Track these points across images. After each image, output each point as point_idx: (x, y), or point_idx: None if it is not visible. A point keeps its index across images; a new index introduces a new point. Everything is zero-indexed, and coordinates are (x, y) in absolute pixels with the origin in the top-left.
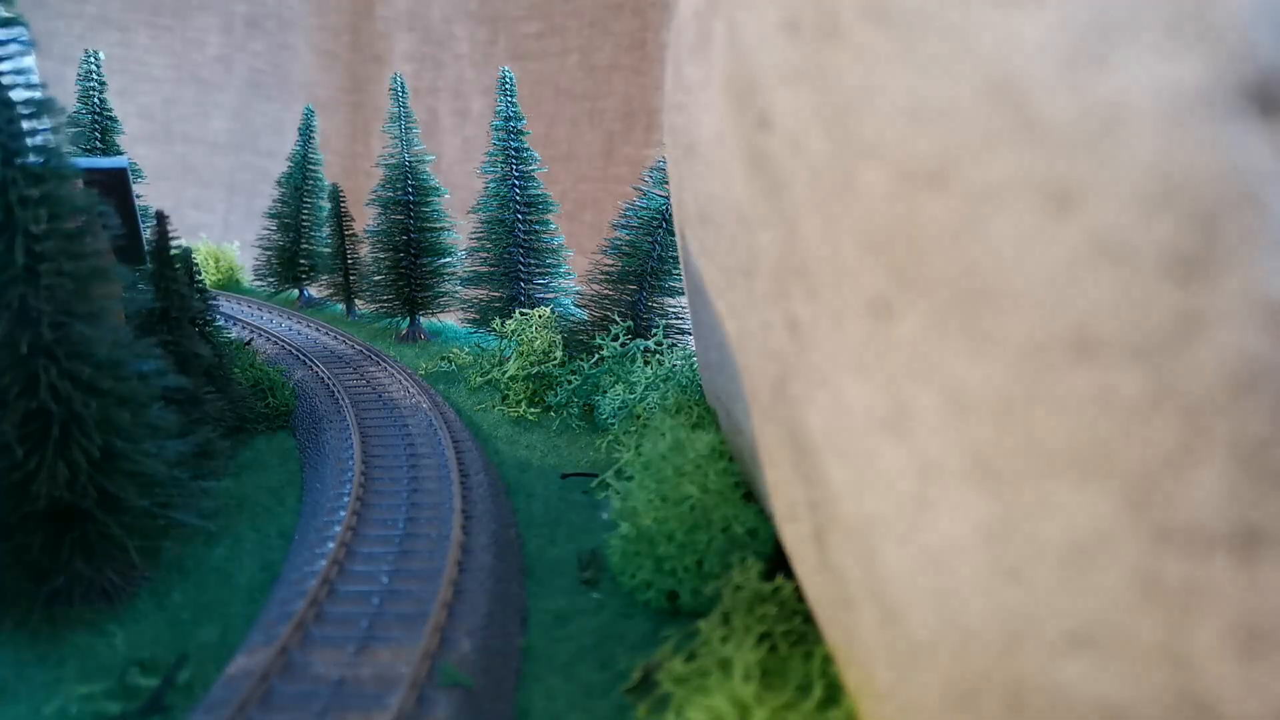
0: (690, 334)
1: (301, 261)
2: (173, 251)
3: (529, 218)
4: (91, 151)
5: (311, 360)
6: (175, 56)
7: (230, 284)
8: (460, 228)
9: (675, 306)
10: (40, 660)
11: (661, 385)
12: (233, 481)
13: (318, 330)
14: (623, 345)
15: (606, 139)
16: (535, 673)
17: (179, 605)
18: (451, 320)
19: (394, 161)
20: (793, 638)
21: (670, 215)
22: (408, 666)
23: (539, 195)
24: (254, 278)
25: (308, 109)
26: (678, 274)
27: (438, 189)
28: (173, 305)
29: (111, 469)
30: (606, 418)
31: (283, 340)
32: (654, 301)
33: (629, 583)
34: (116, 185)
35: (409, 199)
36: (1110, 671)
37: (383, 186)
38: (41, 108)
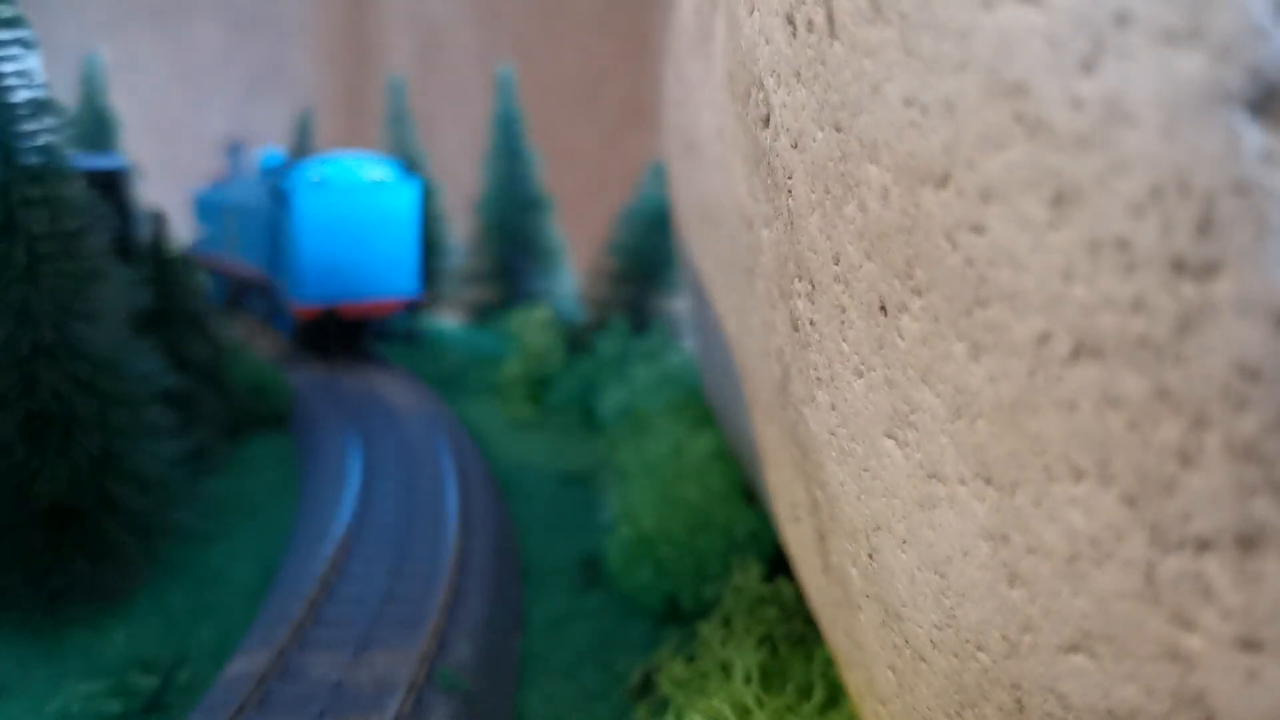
0: (690, 334)
1: None
2: (171, 252)
3: (528, 217)
4: (92, 152)
5: (309, 361)
6: (175, 56)
7: None
8: (459, 227)
9: (675, 306)
10: (42, 658)
11: (661, 385)
12: (231, 482)
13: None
14: (622, 345)
15: (606, 138)
16: (534, 676)
17: (178, 606)
18: (450, 320)
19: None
20: (793, 639)
21: (670, 214)
22: (405, 670)
23: (538, 194)
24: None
25: (306, 109)
26: (677, 273)
27: (437, 188)
28: (171, 305)
29: (111, 469)
30: (606, 418)
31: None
32: (654, 301)
33: (628, 585)
34: (116, 185)
35: None
36: (1110, 672)
37: None
38: (43, 108)
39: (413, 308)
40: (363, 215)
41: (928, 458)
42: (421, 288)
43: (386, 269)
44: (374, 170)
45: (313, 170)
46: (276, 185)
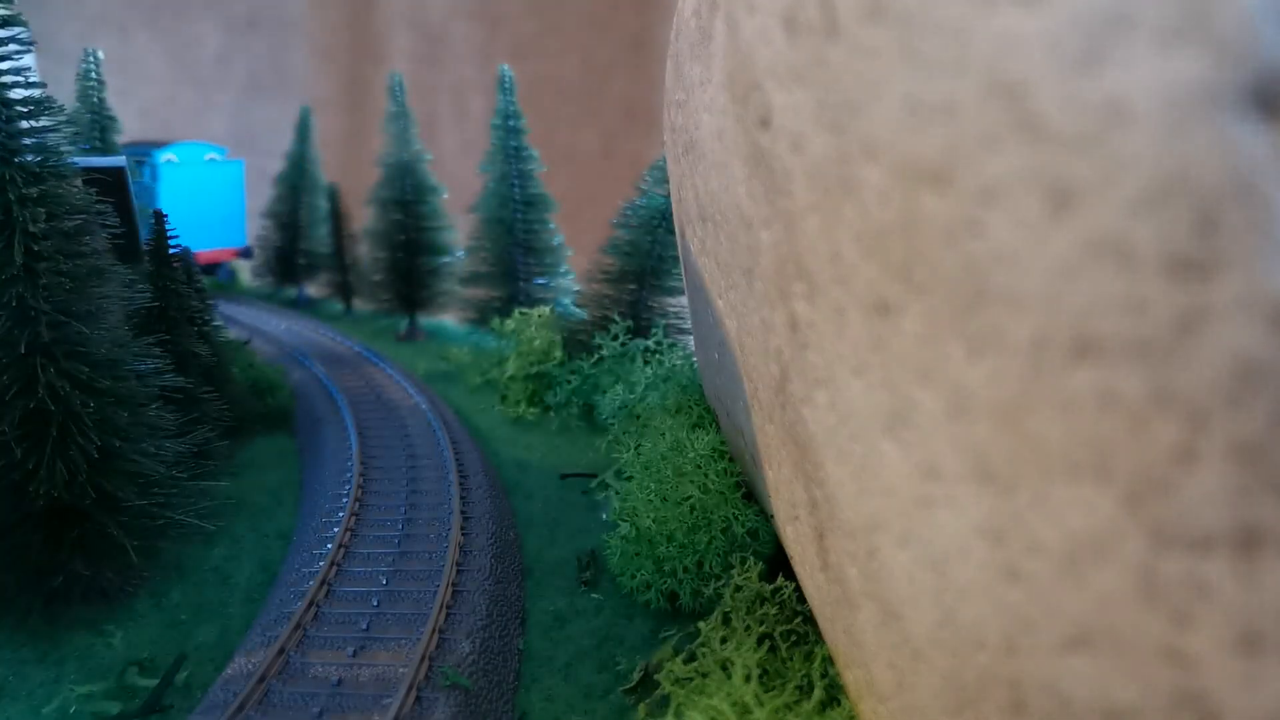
0: (690, 334)
1: (299, 260)
2: (171, 250)
3: (528, 216)
4: (91, 151)
5: (310, 360)
6: (174, 56)
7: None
8: (459, 226)
9: (675, 306)
10: (39, 660)
11: (661, 385)
12: (231, 482)
13: (315, 330)
14: (622, 345)
15: (606, 138)
16: (534, 674)
17: (177, 606)
18: (450, 320)
19: (392, 160)
20: (793, 638)
21: (670, 214)
22: (406, 668)
23: (538, 194)
24: (252, 276)
25: (304, 108)
26: (678, 273)
27: (436, 188)
28: (171, 304)
29: (110, 469)
30: (606, 418)
31: (281, 340)
32: (654, 301)
33: (629, 583)
34: (115, 184)
35: (407, 198)
36: (1110, 671)
37: (381, 185)
38: (40, 106)
39: (245, 253)
40: (205, 186)
41: (926, 457)
42: (246, 241)
43: (224, 226)
44: (208, 153)
45: (164, 153)
46: (143, 164)
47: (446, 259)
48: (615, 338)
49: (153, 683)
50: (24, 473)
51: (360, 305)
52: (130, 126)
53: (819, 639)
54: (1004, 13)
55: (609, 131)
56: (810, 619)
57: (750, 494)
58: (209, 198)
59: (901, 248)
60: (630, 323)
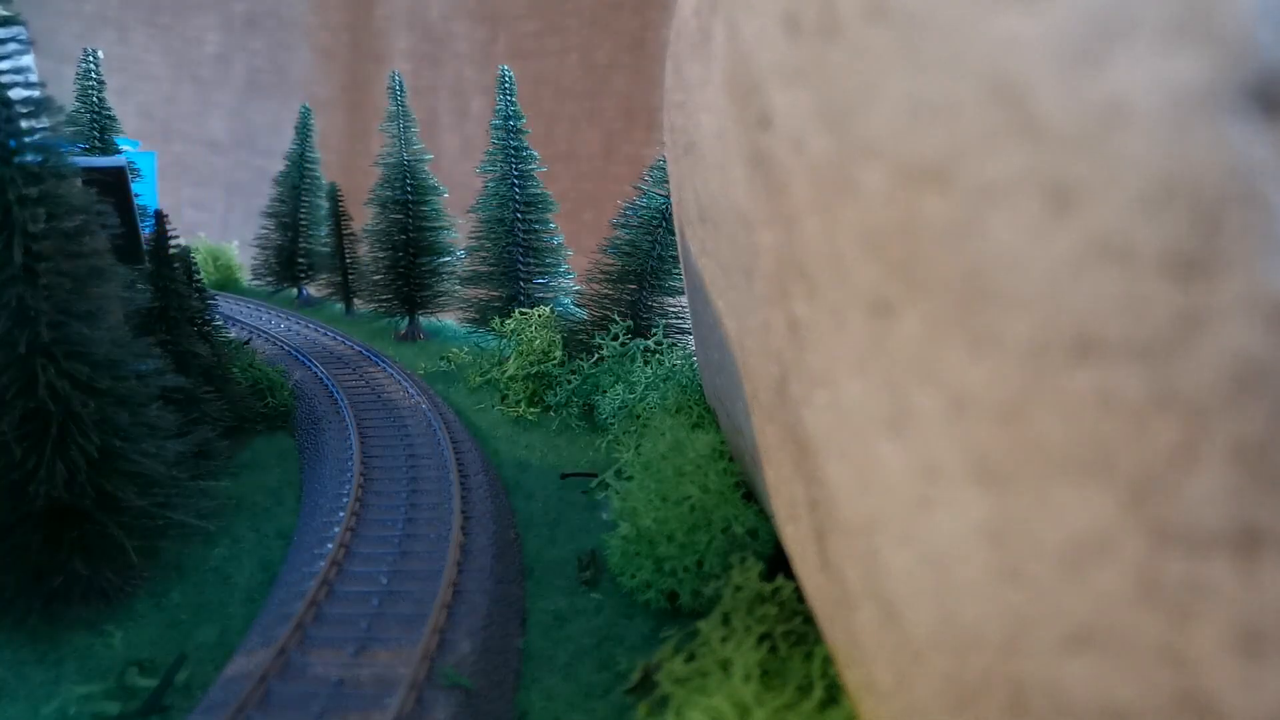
0: (690, 334)
1: (300, 260)
2: (171, 251)
3: (528, 217)
4: (90, 150)
5: (310, 360)
6: (174, 55)
7: (228, 283)
8: (459, 227)
9: (675, 306)
10: (38, 660)
11: (661, 385)
12: (231, 482)
13: (316, 330)
14: (623, 345)
15: (606, 138)
16: (535, 673)
17: (177, 606)
18: (450, 320)
19: (392, 160)
20: (793, 638)
21: (670, 214)
22: (407, 668)
23: (538, 194)
24: (252, 277)
25: (304, 108)
26: (678, 273)
27: (436, 188)
28: (171, 304)
29: (110, 469)
30: (606, 418)
31: (281, 340)
32: (654, 301)
33: (629, 583)
34: (115, 184)
35: (408, 198)
36: (1110, 671)
37: (381, 185)
38: (40, 106)
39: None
40: None
41: (926, 458)
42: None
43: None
44: (124, 145)
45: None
46: None
47: (447, 259)
48: (615, 338)
49: (153, 683)
50: (24, 473)
51: (360, 305)
52: (130, 125)
53: (819, 639)
54: (1005, 13)
55: (609, 131)
56: (810, 619)
57: (750, 494)
58: None
59: (901, 248)
60: (630, 323)
